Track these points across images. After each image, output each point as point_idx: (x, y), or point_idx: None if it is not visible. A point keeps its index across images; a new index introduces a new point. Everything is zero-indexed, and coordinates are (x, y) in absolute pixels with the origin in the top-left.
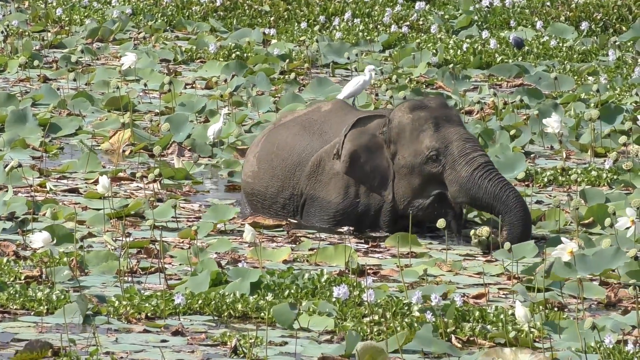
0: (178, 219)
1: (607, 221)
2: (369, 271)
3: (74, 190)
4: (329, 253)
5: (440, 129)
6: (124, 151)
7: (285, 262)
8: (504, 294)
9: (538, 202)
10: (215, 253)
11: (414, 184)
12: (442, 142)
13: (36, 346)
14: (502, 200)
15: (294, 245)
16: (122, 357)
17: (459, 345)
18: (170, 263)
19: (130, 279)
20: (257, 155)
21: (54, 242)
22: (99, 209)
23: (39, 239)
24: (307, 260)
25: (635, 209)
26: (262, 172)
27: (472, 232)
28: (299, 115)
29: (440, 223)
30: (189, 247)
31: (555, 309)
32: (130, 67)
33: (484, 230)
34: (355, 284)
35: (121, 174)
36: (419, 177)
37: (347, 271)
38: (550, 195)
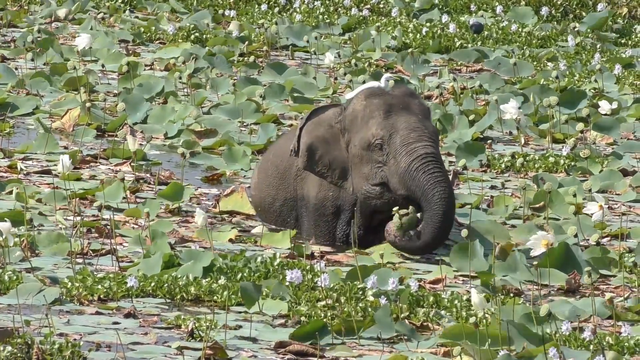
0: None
1: (571, 209)
2: (317, 255)
3: (47, 172)
4: (277, 237)
5: (390, 117)
6: (73, 130)
7: (231, 241)
8: (462, 281)
9: (493, 187)
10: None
11: (365, 173)
12: (387, 130)
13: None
14: (427, 196)
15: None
16: (75, 339)
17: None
18: (121, 244)
19: (82, 260)
20: (258, 165)
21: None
22: (67, 189)
23: None
24: (255, 242)
25: (596, 195)
26: (260, 181)
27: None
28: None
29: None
30: (141, 228)
31: (512, 294)
32: (85, 47)
33: (403, 215)
34: (308, 267)
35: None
36: (368, 166)
37: (294, 254)
38: (503, 183)
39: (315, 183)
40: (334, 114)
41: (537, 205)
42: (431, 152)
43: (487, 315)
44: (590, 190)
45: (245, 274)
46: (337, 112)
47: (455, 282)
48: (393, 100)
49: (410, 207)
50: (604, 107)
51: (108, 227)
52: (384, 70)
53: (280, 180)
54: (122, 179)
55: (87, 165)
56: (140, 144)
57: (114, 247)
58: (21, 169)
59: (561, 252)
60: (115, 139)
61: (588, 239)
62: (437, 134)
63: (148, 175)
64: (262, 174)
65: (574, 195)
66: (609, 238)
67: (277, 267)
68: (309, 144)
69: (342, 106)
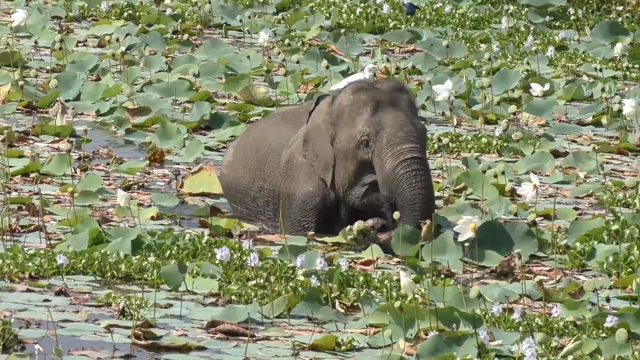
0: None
1: (508, 186)
2: (237, 233)
3: None
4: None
5: (377, 113)
6: (3, 104)
7: (152, 218)
8: (395, 262)
9: None
10: (94, 210)
11: (350, 171)
12: (374, 126)
13: None
14: (409, 207)
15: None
16: (5, 316)
17: (342, 311)
18: (49, 221)
19: (9, 237)
20: (235, 145)
21: None
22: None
23: None
24: (172, 217)
25: (533, 176)
26: (237, 162)
27: (353, 226)
28: (288, 109)
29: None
30: (70, 204)
31: (443, 276)
32: (20, 24)
33: (360, 225)
34: (236, 246)
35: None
36: (353, 164)
37: (214, 233)
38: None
39: (303, 181)
40: (326, 104)
41: (459, 187)
42: (416, 156)
43: (416, 296)
44: (503, 172)
45: (173, 252)
46: (328, 102)
47: (387, 264)
48: (381, 95)
49: (373, 220)
50: (536, 89)
51: (37, 205)
52: (318, 49)
53: (259, 165)
54: (69, 151)
55: (25, 143)
56: (68, 121)
57: (43, 223)
58: None
59: (497, 233)
60: (46, 115)
61: (525, 219)
62: (424, 132)
63: (91, 153)
64: (240, 155)
65: (495, 176)
66: (541, 218)
67: (205, 245)
68: (306, 131)
69: (331, 97)
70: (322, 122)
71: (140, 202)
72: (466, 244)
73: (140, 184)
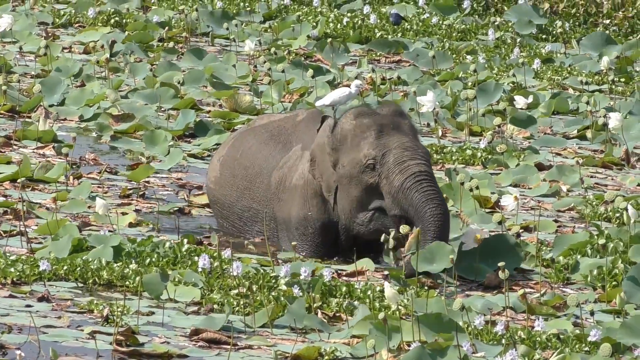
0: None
1: (494, 197)
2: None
3: None
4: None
5: (382, 137)
6: None
7: (130, 225)
8: (382, 277)
9: None
10: (71, 214)
11: (354, 196)
12: (380, 150)
13: None
14: (420, 214)
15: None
16: None
17: (325, 321)
18: (30, 226)
19: None
20: (221, 160)
21: None
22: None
23: None
24: (149, 224)
25: (510, 188)
26: (224, 179)
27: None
28: (272, 121)
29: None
30: (54, 210)
31: (426, 287)
32: (6, 29)
33: (391, 240)
34: (216, 254)
35: None
36: (358, 189)
37: (188, 241)
38: None
39: (297, 203)
40: (328, 127)
41: None
42: (424, 170)
43: (400, 307)
44: (478, 187)
45: (154, 259)
46: (330, 126)
47: (373, 276)
48: (384, 120)
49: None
50: (520, 101)
51: (22, 208)
52: (302, 59)
53: (248, 184)
54: (66, 155)
55: (10, 148)
56: (50, 125)
57: (24, 229)
58: None
59: (483, 245)
60: (27, 120)
61: (509, 231)
62: (429, 155)
63: (78, 159)
64: (227, 171)
65: (470, 190)
66: (521, 231)
67: (185, 253)
68: (313, 149)
69: (333, 120)
70: (324, 147)
71: (139, 209)
72: (451, 256)
73: (141, 192)
